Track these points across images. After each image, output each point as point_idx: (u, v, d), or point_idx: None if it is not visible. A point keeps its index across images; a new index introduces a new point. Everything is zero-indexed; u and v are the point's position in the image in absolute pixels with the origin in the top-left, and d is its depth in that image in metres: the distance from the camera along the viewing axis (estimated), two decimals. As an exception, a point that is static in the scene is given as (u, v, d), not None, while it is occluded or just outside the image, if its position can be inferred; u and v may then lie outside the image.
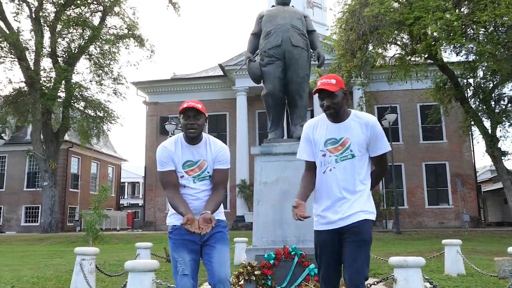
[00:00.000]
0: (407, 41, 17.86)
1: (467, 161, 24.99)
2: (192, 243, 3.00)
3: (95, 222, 10.57)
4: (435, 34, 14.66)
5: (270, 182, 5.83)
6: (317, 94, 2.84)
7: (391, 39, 17.07)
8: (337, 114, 2.83)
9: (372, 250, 3.29)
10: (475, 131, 20.01)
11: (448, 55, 25.73)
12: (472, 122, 18.14)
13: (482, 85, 18.28)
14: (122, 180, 45.59)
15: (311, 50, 6.63)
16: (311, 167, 2.96)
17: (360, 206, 2.81)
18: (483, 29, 15.17)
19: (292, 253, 5.21)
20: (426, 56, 16.99)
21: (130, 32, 25.48)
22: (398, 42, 18.07)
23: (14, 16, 22.97)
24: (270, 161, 5.94)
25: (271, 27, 6.39)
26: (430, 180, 25.27)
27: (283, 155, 5.88)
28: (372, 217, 2.86)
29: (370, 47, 16.74)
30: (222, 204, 3.16)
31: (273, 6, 6.98)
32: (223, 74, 26.27)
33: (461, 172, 24.63)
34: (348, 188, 2.82)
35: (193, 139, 3.02)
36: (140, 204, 40.08)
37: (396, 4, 16.38)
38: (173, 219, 3.08)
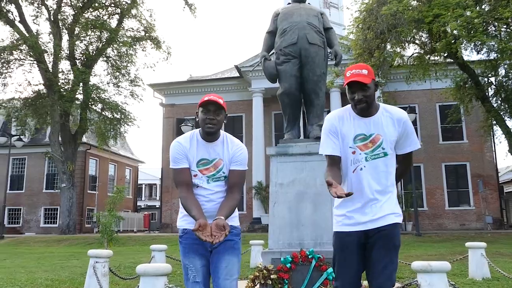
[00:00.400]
0: (426, 39, 17.55)
1: (489, 162, 24.45)
2: (203, 249, 2.82)
3: (110, 224, 10.50)
4: (455, 32, 14.34)
5: (286, 183, 5.68)
6: (345, 87, 2.59)
7: (409, 38, 16.78)
8: (368, 108, 2.59)
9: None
10: (497, 130, 19.54)
11: (469, 54, 25.20)
12: (494, 122, 17.71)
13: (504, 84, 17.84)
14: (139, 182, 45.86)
15: (328, 48, 6.48)
16: (336, 162, 2.66)
17: (391, 208, 2.62)
18: (505, 26, 14.79)
19: (310, 256, 5.06)
20: (445, 54, 16.64)
21: (147, 34, 25.63)
22: (417, 41, 17.76)
23: (34, 19, 23.31)
24: (286, 162, 5.80)
25: (287, 25, 6.25)
26: (450, 181, 24.77)
27: (299, 155, 5.74)
28: (401, 220, 2.68)
29: (388, 46, 16.44)
30: (236, 209, 2.95)
31: (289, 3, 6.85)
32: (239, 75, 26.21)
33: (482, 172, 24.10)
34: (380, 189, 2.62)
35: (210, 135, 2.82)
36: (157, 206, 40.27)
37: (414, 2, 16.09)
38: (184, 222, 2.89)
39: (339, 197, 2.30)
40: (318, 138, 4.93)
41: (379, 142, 2.59)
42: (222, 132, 2.92)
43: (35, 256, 12.15)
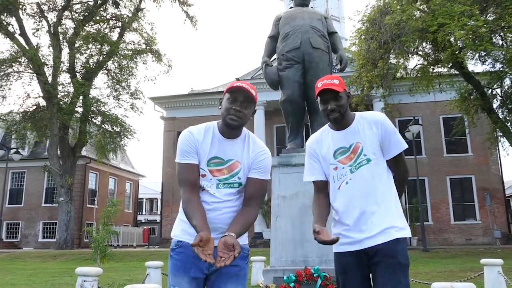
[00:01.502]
0: (430, 50, 17.31)
1: (495, 175, 24.02)
2: (198, 270, 2.26)
3: (103, 239, 10.09)
4: (459, 42, 14.09)
5: (289, 195, 5.33)
6: (318, 98, 2.46)
7: (413, 49, 16.53)
8: (342, 118, 2.45)
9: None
10: (504, 142, 19.17)
11: (474, 65, 25.00)
12: (500, 134, 17.34)
13: (511, 95, 17.51)
14: (140, 196, 45.42)
15: (332, 54, 6.18)
16: (321, 188, 2.55)
17: (389, 221, 2.37)
18: (511, 35, 14.51)
19: (315, 274, 4.67)
20: (450, 65, 16.37)
21: (148, 47, 25.50)
22: (420, 52, 17.51)
23: (34, 32, 23.18)
24: (289, 173, 5.46)
25: (289, 29, 5.96)
26: (456, 195, 24.31)
27: (303, 166, 5.36)
28: (405, 234, 2.39)
29: (392, 57, 16.18)
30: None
31: (291, 7, 6.57)
32: (240, 88, 25.94)
33: (488, 186, 23.66)
34: (371, 199, 2.38)
35: (232, 129, 2.29)
36: (158, 221, 39.78)
37: (418, 13, 15.89)
38: (180, 231, 2.33)
39: (324, 243, 2.18)
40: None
41: (360, 150, 2.45)
42: (245, 129, 2.40)
43: (27, 273, 11.71)
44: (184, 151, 2.29)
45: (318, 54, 5.82)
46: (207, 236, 1.99)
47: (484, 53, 15.47)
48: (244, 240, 2.30)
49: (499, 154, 23.73)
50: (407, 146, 2.56)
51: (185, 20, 25.98)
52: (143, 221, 49.67)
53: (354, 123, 2.49)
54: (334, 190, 2.47)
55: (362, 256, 2.37)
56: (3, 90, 22.29)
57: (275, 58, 6.28)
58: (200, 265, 2.22)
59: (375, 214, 2.36)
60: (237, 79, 25.20)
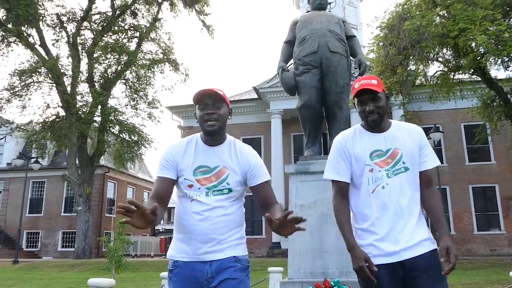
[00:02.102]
0: (450, 57, 16.97)
1: (519, 183, 23.37)
2: (197, 286, 2.19)
3: (118, 249, 10.00)
4: (480, 48, 13.76)
5: (307, 204, 5.14)
6: (355, 100, 2.35)
7: (433, 55, 16.21)
8: (381, 121, 2.33)
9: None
10: (530, 150, 18.63)
11: (496, 70, 24.54)
12: (525, 141, 16.87)
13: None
14: (158, 205, 45.44)
15: (351, 58, 6.01)
16: (344, 191, 2.38)
17: (424, 232, 2.27)
18: (536, 40, 14.10)
19: (335, 287, 4.45)
20: (472, 71, 16.00)
21: (165, 56, 25.62)
22: (440, 58, 17.18)
23: (54, 43, 23.51)
24: (307, 181, 5.27)
25: (306, 33, 5.81)
26: (479, 204, 23.70)
27: (321, 173, 5.13)
28: (436, 245, 2.29)
29: (412, 63, 15.89)
30: (244, 233, 2.34)
31: (307, 11, 6.43)
32: (257, 97, 25.86)
33: (513, 195, 23.03)
34: (408, 209, 2.25)
35: (212, 135, 2.27)
36: (176, 230, 39.69)
37: (438, 18, 15.61)
38: (175, 251, 2.27)
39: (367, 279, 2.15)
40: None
41: (399, 156, 2.31)
42: (229, 136, 2.38)
43: (44, 283, 11.70)
44: (161, 165, 2.30)
45: (336, 58, 5.65)
46: (142, 205, 1.83)
47: (507, 59, 15.09)
48: (241, 251, 2.26)
49: (524, 162, 23.12)
50: (440, 163, 2.48)
51: (202, 29, 26.09)
52: (161, 230, 49.73)
53: (392, 128, 2.39)
54: (367, 193, 2.31)
55: (397, 269, 2.20)
56: (23, 100, 22.58)
57: (292, 63, 6.13)
58: (199, 282, 2.16)
59: (410, 224, 2.24)
60: (254, 88, 25.10)
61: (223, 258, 2.17)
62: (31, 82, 22.49)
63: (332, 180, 2.40)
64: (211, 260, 2.15)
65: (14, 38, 21.80)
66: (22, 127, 23.54)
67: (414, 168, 2.32)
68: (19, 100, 22.48)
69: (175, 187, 2.34)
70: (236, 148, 2.33)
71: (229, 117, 2.33)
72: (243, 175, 2.28)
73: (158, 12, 25.40)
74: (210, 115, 2.22)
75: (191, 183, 2.24)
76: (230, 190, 2.25)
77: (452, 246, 2.17)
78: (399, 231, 2.21)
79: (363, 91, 2.29)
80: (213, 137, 2.29)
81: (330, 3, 6.44)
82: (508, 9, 14.01)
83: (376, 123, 2.32)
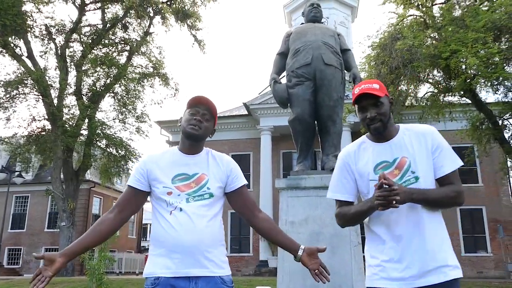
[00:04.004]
0: (440, 78, 17.05)
1: (506, 206, 23.44)
2: None
3: (99, 266, 9.60)
4: (471, 70, 13.80)
5: (298, 221, 4.91)
6: (355, 107, 2.14)
7: (424, 76, 16.27)
8: (384, 128, 2.11)
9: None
10: (516, 173, 18.69)
11: (486, 93, 24.89)
12: (513, 164, 16.89)
13: (525, 125, 17.14)
14: (144, 222, 44.84)
15: (345, 71, 5.87)
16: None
17: (443, 257, 1.99)
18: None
19: (326, 309, 4.19)
20: (462, 93, 16.06)
21: (155, 70, 25.42)
22: (430, 80, 17.25)
23: (42, 55, 23.17)
24: (298, 197, 5.06)
25: (300, 44, 5.66)
26: (466, 226, 23.67)
27: (313, 189, 4.99)
28: (459, 273, 2.03)
29: (403, 83, 15.91)
30: (225, 250, 2.27)
31: (302, 23, 6.30)
32: (247, 113, 25.75)
33: (500, 217, 23.06)
34: (420, 226, 1.98)
35: (192, 139, 2.26)
36: (161, 247, 39.04)
37: (429, 40, 15.73)
38: (155, 267, 2.10)
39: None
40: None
41: (406, 165, 2.08)
42: (205, 147, 2.40)
43: (21, 300, 11.22)
44: (133, 175, 2.29)
45: (331, 71, 5.49)
46: (53, 257, 2.11)
47: (496, 82, 15.18)
48: (228, 270, 2.21)
49: (511, 185, 23.20)
50: (462, 163, 2.21)
51: (193, 43, 25.99)
52: (147, 247, 48.90)
53: (399, 135, 2.17)
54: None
55: None
56: (8, 112, 22.12)
57: (284, 75, 5.98)
58: None
59: (425, 246, 1.97)
60: (244, 104, 24.99)
61: (210, 277, 2.06)
62: (17, 94, 22.07)
63: (336, 200, 2.24)
64: (196, 276, 2.03)
65: (0, 48, 21.40)
66: (6, 140, 23.04)
67: (427, 176, 2.06)
68: (4, 112, 22.00)
69: (150, 202, 2.30)
70: (214, 156, 2.36)
71: (210, 136, 2.37)
72: (224, 181, 2.28)
73: (149, 26, 25.29)
74: (197, 122, 2.25)
75: (170, 190, 2.19)
76: (211, 195, 2.21)
77: None
78: (411, 255, 1.96)
79: (363, 96, 2.08)
80: (191, 144, 2.29)
81: (322, 23, 6.29)
82: (498, 33, 14.12)
83: (379, 131, 2.11)
